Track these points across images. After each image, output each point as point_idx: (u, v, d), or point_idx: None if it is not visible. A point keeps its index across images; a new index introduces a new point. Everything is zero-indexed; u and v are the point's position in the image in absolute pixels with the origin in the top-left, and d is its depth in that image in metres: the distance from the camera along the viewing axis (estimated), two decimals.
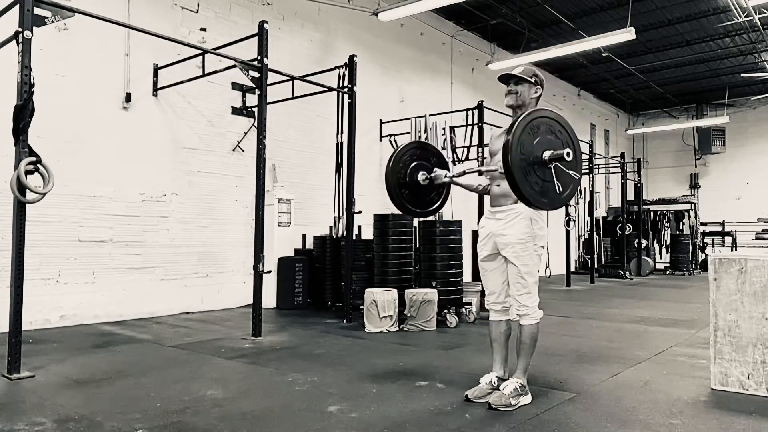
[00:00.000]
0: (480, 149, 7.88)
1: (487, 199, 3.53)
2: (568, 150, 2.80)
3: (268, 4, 7.87)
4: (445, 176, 3.57)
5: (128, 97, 6.30)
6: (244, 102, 7.49)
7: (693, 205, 15.01)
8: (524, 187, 2.75)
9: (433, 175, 3.61)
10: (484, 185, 3.52)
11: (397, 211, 6.91)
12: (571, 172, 2.89)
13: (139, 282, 6.36)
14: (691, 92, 16.79)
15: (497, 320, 3.40)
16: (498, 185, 3.32)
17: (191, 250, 6.90)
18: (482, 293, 5.96)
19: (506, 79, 3.32)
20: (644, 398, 3.36)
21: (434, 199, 3.79)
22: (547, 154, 2.81)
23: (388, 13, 8.26)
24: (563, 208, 10.63)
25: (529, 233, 3.19)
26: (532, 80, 3.27)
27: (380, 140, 9.53)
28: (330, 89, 6.52)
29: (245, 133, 7.43)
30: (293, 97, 7.01)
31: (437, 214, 7.71)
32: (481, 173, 3.50)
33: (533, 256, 3.22)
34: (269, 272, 6.17)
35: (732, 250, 14.11)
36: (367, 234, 6.97)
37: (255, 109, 5.96)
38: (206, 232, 7.06)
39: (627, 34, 9.07)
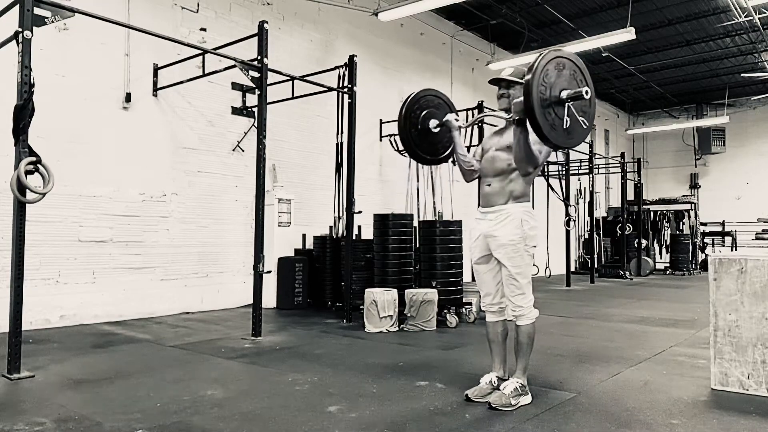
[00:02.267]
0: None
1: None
2: (586, 88, 2.89)
3: (268, 4, 7.87)
4: (456, 120, 3.62)
5: (128, 97, 6.30)
6: (244, 102, 7.49)
7: (693, 205, 15.01)
8: (540, 117, 2.84)
9: (444, 120, 3.67)
10: (472, 164, 3.49)
11: (396, 211, 6.96)
12: (581, 119, 2.99)
13: (139, 282, 6.36)
14: (691, 92, 16.79)
15: (494, 321, 3.41)
16: (488, 185, 3.32)
17: (191, 250, 6.89)
18: None
19: (497, 82, 3.33)
20: (644, 398, 3.37)
21: (441, 150, 3.87)
22: (565, 93, 2.89)
23: (388, 13, 8.26)
24: (563, 208, 10.64)
25: (520, 234, 3.19)
26: (523, 81, 3.27)
27: (380, 140, 9.54)
28: (330, 89, 6.51)
29: (245, 133, 7.43)
30: (293, 97, 7.01)
31: (438, 214, 7.74)
32: (481, 121, 3.51)
33: (525, 257, 3.22)
34: (269, 272, 6.17)
35: (732, 250, 14.11)
36: (367, 234, 6.97)
37: (255, 109, 5.95)
38: (206, 232, 7.05)
39: (627, 34, 9.08)
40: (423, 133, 3.78)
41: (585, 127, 3.03)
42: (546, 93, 2.86)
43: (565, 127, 2.93)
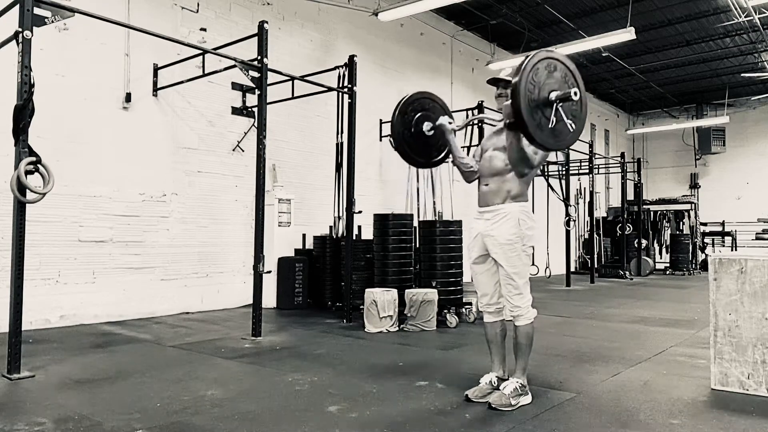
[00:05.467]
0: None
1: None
2: (575, 89, 2.86)
3: (268, 4, 7.87)
4: (449, 123, 3.61)
5: (128, 97, 6.30)
6: (244, 102, 7.49)
7: (693, 205, 15.01)
8: (528, 117, 2.82)
9: (438, 123, 3.64)
10: (471, 165, 3.46)
11: (396, 211, 6.95)
12: (569, 121, 2.96)
13: (139, 282, 6.36)
14: (691, 92, 16.80)
15: (492, 321, 3.41)
16: (486, 184, 3.31)
17: (191, 250, 6.89)
18: None
19: (495, 82, 3.34)
20: (644, 398, 3.37)
21: (435, 154, 3.86)
22: (554, 94, 2.86)
23: (388, 13, 8.26)
24: (563, 208, 10.63)
25: (517, 234, 3.19)
26: None
27: (380, 140, 9.53)
28: (330, 89, 6.52)
29: (245, 133, 7.43)
30: (293, 97, 7.01)
31: (438, 214, 7.73)
32: (480, 121, 3.53)
33: (522, 257, 3.22)
34: (269, 272, 6.16)
35: (732, 250, 14.11)
36: (367, 234, 6.97)
37: (255, 109, 5.95)
38: (206, 232, 7.05)
39: (627, 34, 9.08)
40: (416, 136, 3.73)
41: (572, 130, 2.99)
42: (534, 93, 2.84)
43: (551, 127, 2.90)
